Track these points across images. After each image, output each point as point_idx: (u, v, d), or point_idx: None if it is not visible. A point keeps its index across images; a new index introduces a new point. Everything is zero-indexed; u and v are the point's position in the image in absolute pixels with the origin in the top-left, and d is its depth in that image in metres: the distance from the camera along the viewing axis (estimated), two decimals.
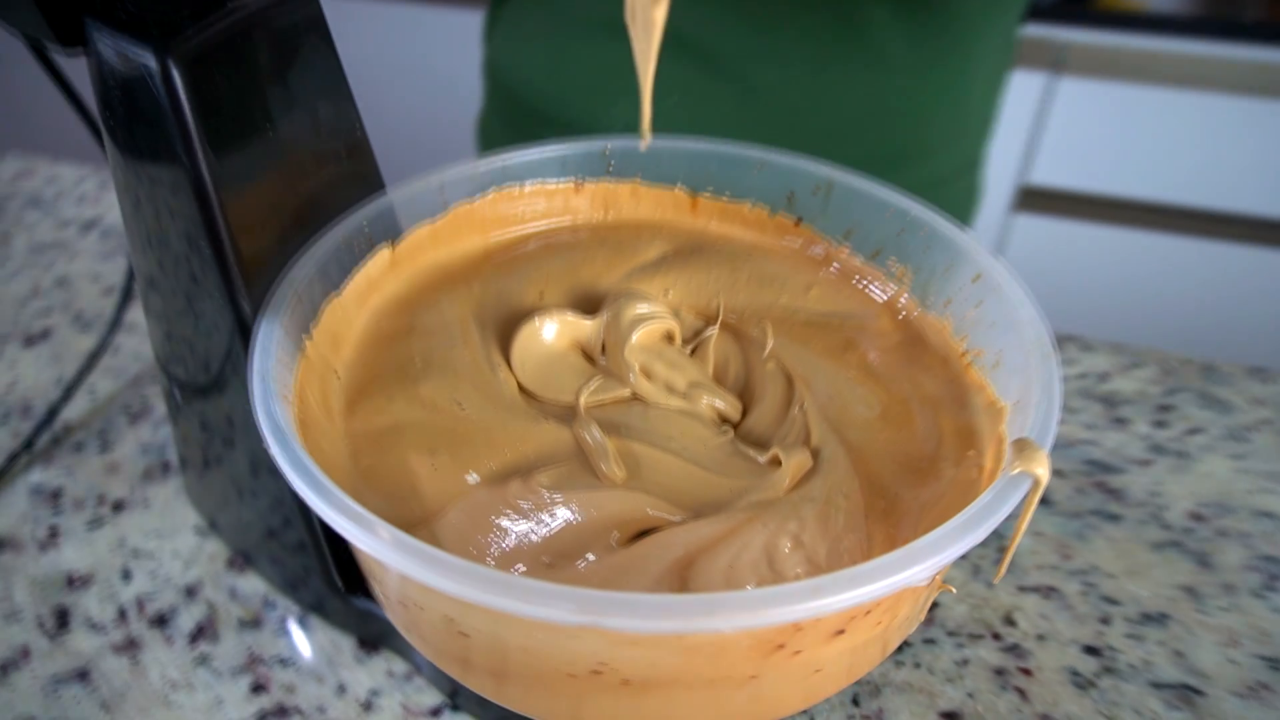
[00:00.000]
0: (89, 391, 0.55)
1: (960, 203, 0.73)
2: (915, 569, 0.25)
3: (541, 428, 0.36)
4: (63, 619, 0.42)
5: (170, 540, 0.46)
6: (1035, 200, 1.47)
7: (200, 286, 0.35)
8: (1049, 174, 1.44)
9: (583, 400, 0.37)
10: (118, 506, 0.48)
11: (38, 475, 0.50)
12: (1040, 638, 0.41)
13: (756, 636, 0.26)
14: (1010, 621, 0.41)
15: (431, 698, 0.39)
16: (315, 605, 0.42)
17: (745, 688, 0.28)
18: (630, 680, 0.28)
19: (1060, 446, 0.51)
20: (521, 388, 0.38)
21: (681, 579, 0.31)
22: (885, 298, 0.43)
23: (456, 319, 0.40)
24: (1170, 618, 0.42)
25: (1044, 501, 0.48)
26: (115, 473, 0.50)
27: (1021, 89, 1.36)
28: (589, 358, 0.40)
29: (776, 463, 0.34)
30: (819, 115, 0.62)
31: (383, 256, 0.41)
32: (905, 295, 0.42)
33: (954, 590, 0.34)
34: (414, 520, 0.33)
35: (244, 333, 0.35)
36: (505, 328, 0.40)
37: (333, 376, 0.37)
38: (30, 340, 0.60)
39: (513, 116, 0.72)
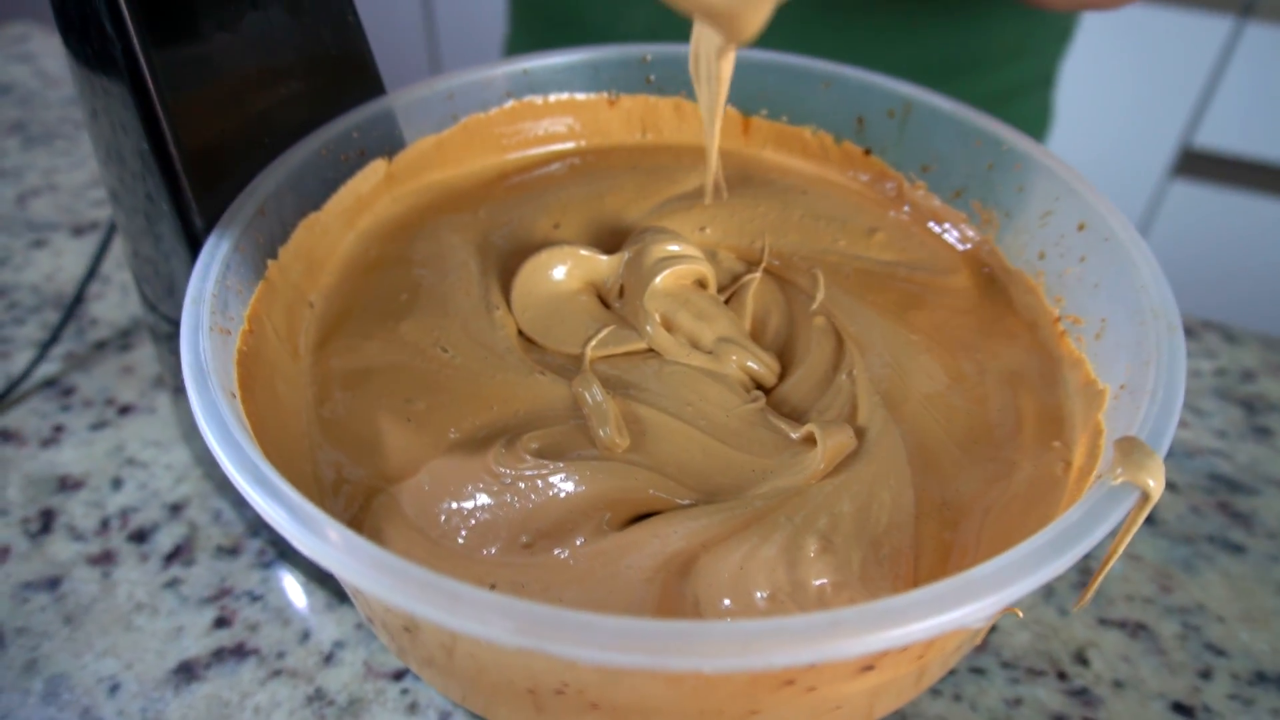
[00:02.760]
0: (121, 288, 0.52)
1: (1030, 122, 0.64)
2: (971, 607, 0.18)
3: (537, 382, 0.30)
4: (47, 522, 0.40)
5: (167, 452, 0.43)
6: (1197, 165, 1.26)
7: (155, 205, 0.31)
8: (1218, 135, 1.23)
9: (588, 352, 0.31)
10: (125, 410, 0.45)
11: (56, 369, 0.48)
12: (1117, 684, 0.34)
13: (758, 671, 0.21)
14: (1082, 660, 0.34)
15: (398, 660, 0.35)
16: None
17: None
18: (599, 705, 0.22)
19: (1178, 454, 0.42)
20: (521, 333, 0.33)
21: (680, 577, 0.25)
22: (965, 247, 0.36)
23: (454, 248, 0.35)
24: None
25: (1147, 518, 0.40)
26: (129, 375, 0.47)
27: (1200, 34, 1.15)
28: (604, 302, 0.34)
29: (811, 441, 0.28)
30: (862, 14, 0.53)
31: (376, 171, 0.36)
32: (990, 245, 0.35)
33: (1020, 614, 0.27)
34: (377, 482, 0.28)
35: (196, 254, 0.30)
36: (510, 262, 0.34)
37: (305, 306, 0.32)
38: (79, 230, 0.58)
39: (537, 29, 0.65)
